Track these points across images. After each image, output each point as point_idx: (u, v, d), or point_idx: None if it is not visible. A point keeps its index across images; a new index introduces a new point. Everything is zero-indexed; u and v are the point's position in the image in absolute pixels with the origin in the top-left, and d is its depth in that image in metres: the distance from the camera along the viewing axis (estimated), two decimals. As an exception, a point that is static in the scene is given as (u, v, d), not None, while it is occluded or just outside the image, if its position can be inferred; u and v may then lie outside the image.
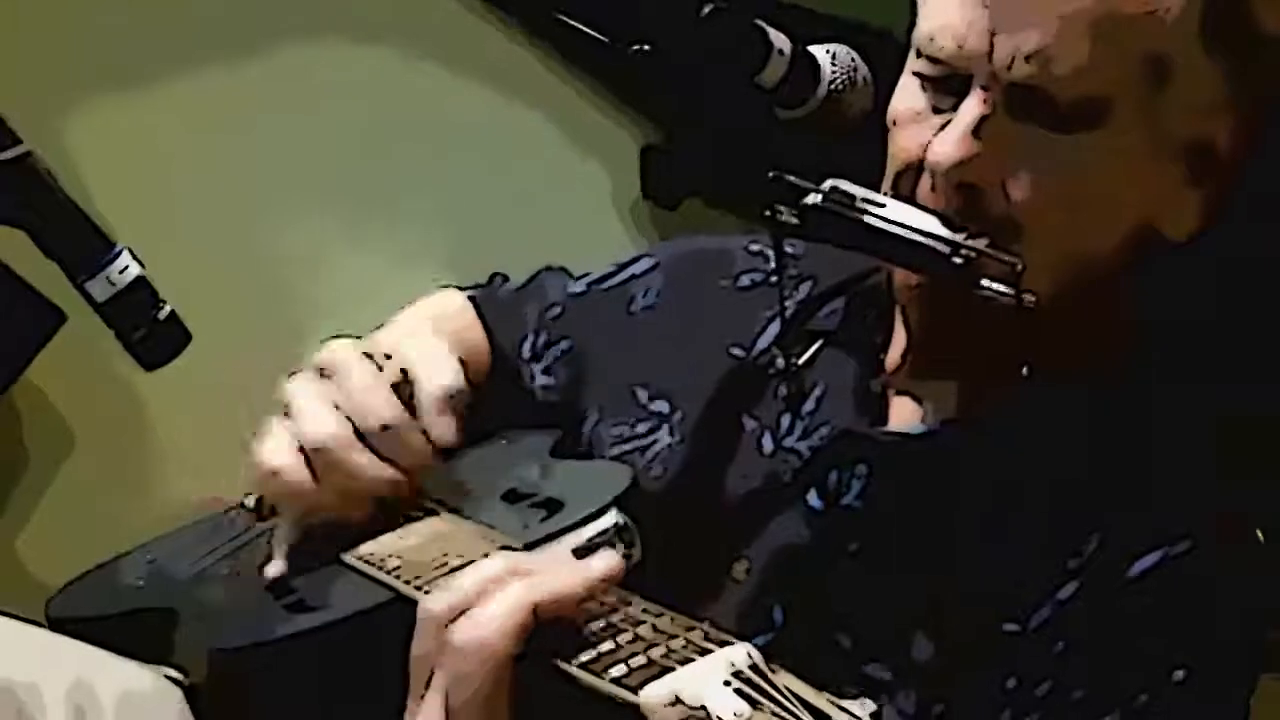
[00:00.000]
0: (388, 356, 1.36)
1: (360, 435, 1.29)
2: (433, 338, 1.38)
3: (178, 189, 2.10)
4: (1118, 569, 1.11)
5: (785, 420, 1.30)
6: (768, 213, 1.15)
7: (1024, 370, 1.10)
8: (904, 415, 1.28)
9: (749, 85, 1.23)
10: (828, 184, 1.14)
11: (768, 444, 1.31)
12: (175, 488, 2.07)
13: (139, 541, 1.53)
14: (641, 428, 1.39)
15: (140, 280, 1.28)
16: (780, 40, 1.24)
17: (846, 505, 1.23)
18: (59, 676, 1.21)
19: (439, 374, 1.32)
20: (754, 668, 0.88)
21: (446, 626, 1.02)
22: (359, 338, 1.49)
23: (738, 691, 0.86)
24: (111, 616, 1.38)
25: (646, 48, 1.20)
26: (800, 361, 1.29)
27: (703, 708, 0.86)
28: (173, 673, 1.29)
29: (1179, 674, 1.07)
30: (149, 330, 1.29)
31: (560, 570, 1.04)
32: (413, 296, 1.60)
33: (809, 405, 1.30)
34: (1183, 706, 1.08)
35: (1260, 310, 1.25)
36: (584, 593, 1.02)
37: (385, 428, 1.29)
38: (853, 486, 1.23)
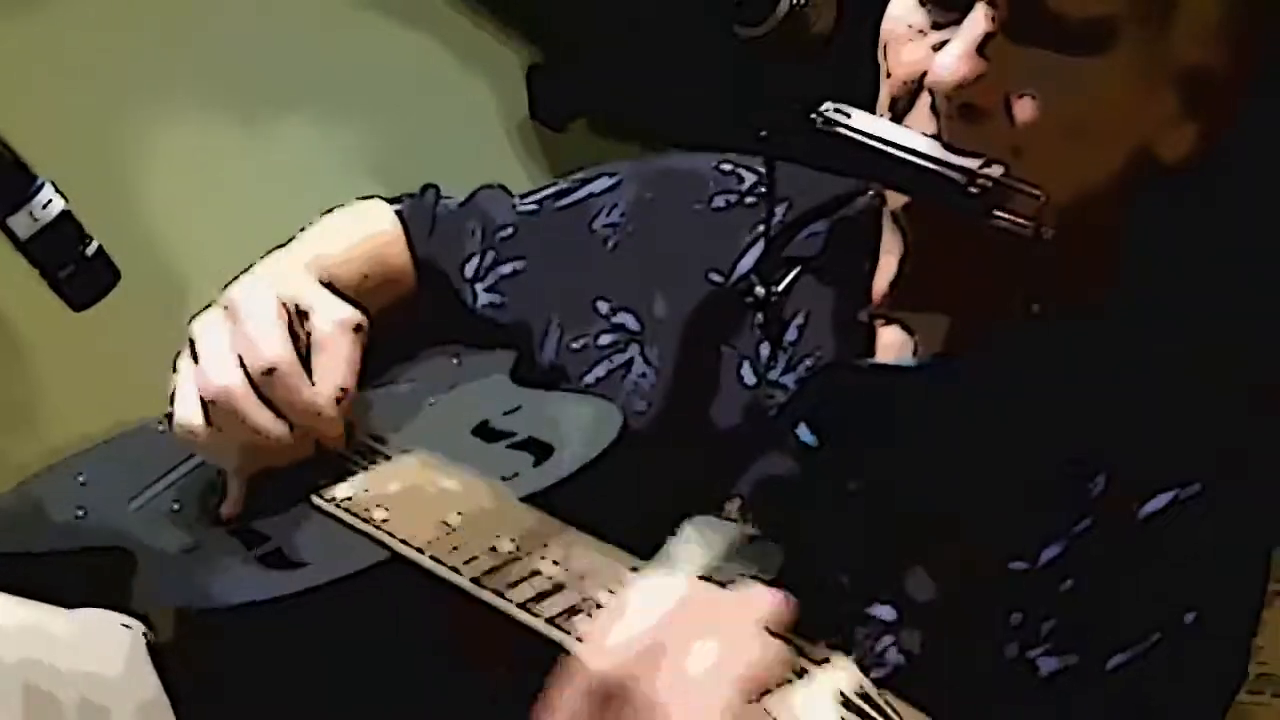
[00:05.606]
0: (300, 310, 1.30)
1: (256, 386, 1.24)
2: (346, 316, 1.31)
3: (73, 107, 2.04)
4: (1128, 510, 1.08)
5: (765, 351, 1.25)
6: (763, 134, 1.10)
7: (1033, 307, 1.07)
8: (892, 347, 1.23)
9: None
10: (827, 106, 1.08)
11: (749, 375, 1.25)
12: (61, 419, 2.01)
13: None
14: (604, 340, 1.34)
15: (65, 215, 1.19)
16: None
17: (841, 442, 1.19)
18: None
19: (335, 371, 1.28)
20: (862, 694, 0.82)
21: None
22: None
23: None
24: (51, 554, 1.28)
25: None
26: (780, 289, 1.24)
27: None
28: (130, 620, 1.21)
29: (1189, 616, 1.06)
30: (76, 268, 1.20)
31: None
32: (301, 211, 1.51)
33: (790, 335, 1.25)
34: (1193, 647, 1.06)
35: (1258, 246, 1.23)
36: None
37: (270, 371, 1.24)
38: (846, 422, 1.19)
